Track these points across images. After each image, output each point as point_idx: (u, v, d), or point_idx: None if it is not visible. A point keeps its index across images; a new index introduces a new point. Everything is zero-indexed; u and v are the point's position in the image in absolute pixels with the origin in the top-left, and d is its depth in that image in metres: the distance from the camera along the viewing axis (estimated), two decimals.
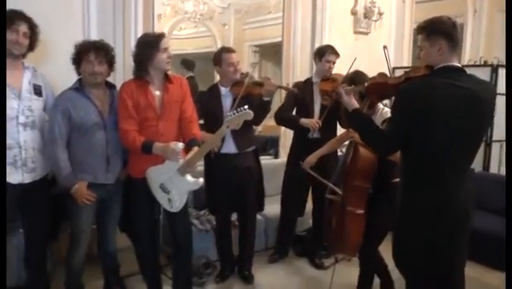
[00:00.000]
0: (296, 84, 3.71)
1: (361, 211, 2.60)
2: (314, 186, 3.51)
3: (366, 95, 2.36)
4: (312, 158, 3.17)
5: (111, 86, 2.71)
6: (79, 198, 2.51)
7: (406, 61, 5.44)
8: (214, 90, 3.20)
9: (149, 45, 2.52)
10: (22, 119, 2.39)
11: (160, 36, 2.56)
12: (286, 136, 4.44)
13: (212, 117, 3.11)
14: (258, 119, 3.06)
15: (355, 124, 2.26)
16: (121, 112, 2.55)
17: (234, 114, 2.30)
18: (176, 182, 2.47)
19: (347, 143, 2.95)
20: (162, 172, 2.50)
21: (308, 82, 3.61)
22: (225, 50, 3.14)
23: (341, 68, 3.55)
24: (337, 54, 3.50)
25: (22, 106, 2.40)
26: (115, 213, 2.77)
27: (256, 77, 3.19)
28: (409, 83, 2.04)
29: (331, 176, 2.94)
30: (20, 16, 2.38)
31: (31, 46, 2.48)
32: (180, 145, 2.40)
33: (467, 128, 1.94)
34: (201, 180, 2.44)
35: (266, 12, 7.29)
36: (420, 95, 1.94)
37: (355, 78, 2.67)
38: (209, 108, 3.13)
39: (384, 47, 2.52)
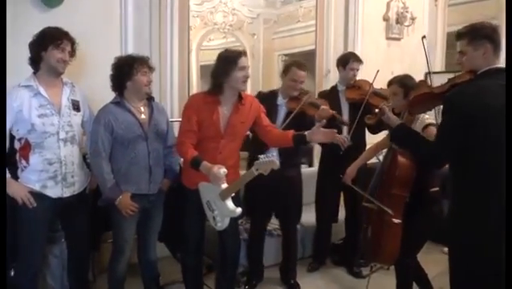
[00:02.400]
0: (321, 93, 3.75)
1: (398, 220, 2.56)
2: (346, 194, 3.50)
3: (410, 109, 2.33)
4: (352, 171, 3.10)
5: (149, 98, 2.77)
6: (123, 209, 2.56)
7: (439, 66, 5.35)
8: (273, 96, 3.22)
9: (227, 61, 2.51)
10: (62, 134, 2.46)
11: (240, 53, 2.55)
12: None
13: None
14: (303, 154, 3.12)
15: (401, 139, 2.25)
16: (183, 125, 2.59)
17: (265, 158, 2.25)
18: (218, 204, 2.47)
19: (384, 151, 2.93)
20: (209, 190, 2.50)
21: (334, 90, 3.63)
22: (297, 65, 3.14)
23: (373, 75, 3.54)
24: (360, 61, 3.53)
25: (62, 122, 2.46)
26: (156, 222, 2.83)
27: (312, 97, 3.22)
28: (459, 89, 2.02)
29: (361, 183, 2.92)
30: (67, 36, 2.47)
31: None
32: (223, 171, 2.35)
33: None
34: (239, 209, 2.42)
35: (295, 21, 7.31)
36: (474, 99, 1.93)
37: (406, 81, 2.69)
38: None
39: (423, 37, 2.58)
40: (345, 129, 3.47)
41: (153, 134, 2.66)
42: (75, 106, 2.56)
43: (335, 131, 2.54)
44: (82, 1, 3.24)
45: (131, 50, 3.29)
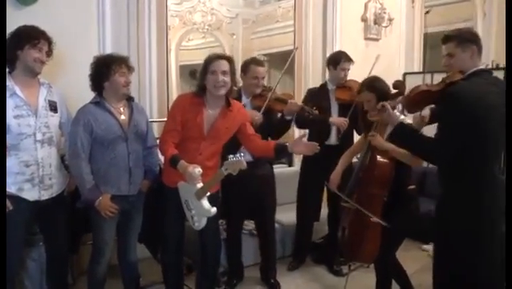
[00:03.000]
0: (310, 91, 3.75)
1: (376, 220, 2.59)
2: (329, 192, 3.52)
3: (406, 106, 2.34)
4: (336, 177, 3.01)
5: (129, 98, 2.74)
6: (102, 211, 2.53)
7: (417, 66, 5.44)
8: (236, 97, 3.22)
9: (204, 64, 2.55)
10: (39, 136, 2.42)
11: (211, 58, 2.54)
12: None
13: None
14: (278, 135, 3.14)
15: (403, 137, 2.26)
16: (167, 124, 2.62)
17: (233, 158, 2.26)
18: (195, 204, 2.49)
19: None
20: (187, 190, 2.51)
21: (323, 88, 3.62)
22: (254, 62, 3.16)
23: (351, 75, 3.59)
24: (351, 61, 3.53)
25: (39, 123, 2.42)
26: (136, 224, 2.80)
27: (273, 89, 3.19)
28: (459, 86, 2.10)
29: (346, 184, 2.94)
30: (44, 36, 2.43)
31: None
32: (198, 171, 2.37)
33: (505, 122, 2.05)
34: (214, 209, 2.43)
35: (274, 21, 7.33)
36: (475, 95, 2.03)
37: (376, 84, 2.68)
38: None
39: (377, 57, 2.57)
40: (333, 129, 3.49)
41: (133, 135, 2.64)
42: (53, 107, 2.51)
43: (317, 144, 2.54)
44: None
45: (109, 49, 3.25)
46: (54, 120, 2.52)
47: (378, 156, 2.57)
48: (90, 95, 2.63)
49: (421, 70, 5.42)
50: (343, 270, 3.56)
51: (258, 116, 3.01)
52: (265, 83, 3.25)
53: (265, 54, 7.38)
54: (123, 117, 2.63)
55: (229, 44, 7.77)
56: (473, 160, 2.09)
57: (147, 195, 2.80)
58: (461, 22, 5.94)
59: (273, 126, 3.13)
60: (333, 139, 3.50)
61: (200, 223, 2.52)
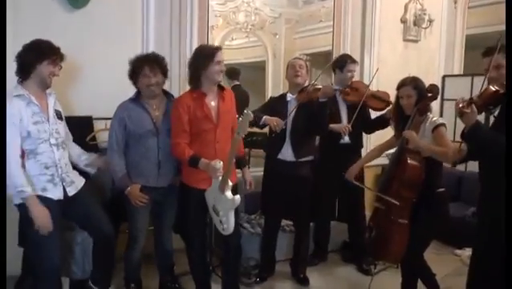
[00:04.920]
0: None
1: (405, 221, 2.63)
2: (348, 193, 3.61)
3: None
4: (355, 168, 3.12)
5: (167, 94, 2.91)
6: (132, 200, 2.74)
7: (457, 69, 5.33)
8: (283, 96, 3.40)
9: (205, 56, 2.65)
10: (53, 140, 2.50)
11: (217, 49, 2.69)
12: None
13: None
14: (321, 125, 3.27)
15: (481, 135, 2.27)
16: (175, 127, 2.69)
17: (240, 119, 2.36)
18: (220, 201, 2.57)
19: (390, 151, 2.99)
20: (212, 192, 2.61)
21: None
22: (292, 59, 3.39)
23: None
24: (356, 62, 3.65)
25: (51, 129, 2.51)
26: (169, 215, 2.96)
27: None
28: None
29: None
30: (60, 52, 2.52)
31: None
32: (219, 164, 2.49)
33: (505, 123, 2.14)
34: (238, 196, 2.51)
35: (317, 21, 7.31)
36: None
37: (420, 84, 2.75)
38: (275, 112, 3.28)
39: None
40: (344, 122, 3.55)
41: (165, 130, 2.77)
42: (59, 115, 2.61)
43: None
44: (106, 2, 3.38)
45: (152, 48, 3.40)
46: (61, 127, 2.60)
47: (409, 159, 2.60)
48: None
49: (461, 72, 5.32)
50: (373, 270, 3.57)
51: (278, 126, 3.15)
52: (306, 82, 3.37)
53: (307, 54, 7.42)
54: (157, 113, 2.80)
55: (272, 44, 7.83)
56: None
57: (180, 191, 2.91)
58: (502, 24, 5.75)
59: (313, 118, 3.23)
60: (346, 137, 3.53)
61: (228, 225, 2.58)
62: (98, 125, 3.31)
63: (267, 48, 7.87)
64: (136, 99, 2.80)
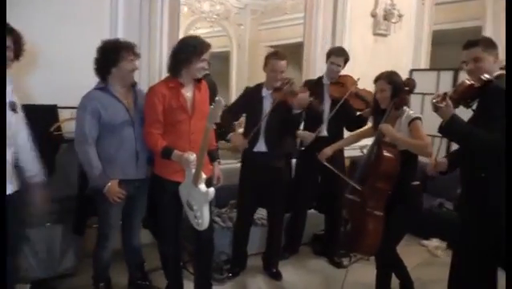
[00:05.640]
0: (307, 82, 3.80)
1: (380, 213, 2.63)
2: (327, 184, 3.62)
3: (455, 100, 2.33)
4: (328, 150, 3.15)
5: (132, 84, 2.75)
6: (110, 197, 2.58)
7: (424, 63, 5.44)
8: (258, 89, 3.29)
9: (193, 51, 2.55)
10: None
11: (207, 46, 2.59)
12: None
13: (250, 116, 3.27)
14: (291, 128, 3.31)
15: (459, 128, 2.27)
16: (149, 116, 2.60)
17: (211, 107, 2.30)
18: (194, 195, 2.50)
19: (365, 143, 3.01)
20: (186, 186, 2.54)
21: (319, 83, 3.67)
22: (275, 55, 3.18)
23: (359, 70, 3.62)
24: (341, 56, 3.54)
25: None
26: (141, 209, 2.86)
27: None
28: (502, 82, 2.19)
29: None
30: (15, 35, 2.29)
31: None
32: (193, 156, 2.43)
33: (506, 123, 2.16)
34: (212, 189, 2.46)
35: (282, 13, 7.33)
36: None
37: (395, 78, 2.74)
38: (250, 106, 3.24)
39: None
40: (326, 115, 3.53)
41: (139, 119, 2.66)
42: (13, 107, 2.31)
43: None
44: None
45: (120, 35, 3.25)
46: (14, 119, 2.31)
47: (385, 151, 2.61)
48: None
49: (428, 67, 5.43)
50: (344, 262, 3.62)
51: (242, 147, 3.16)
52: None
53: (272, 46, 7.41)
54: (128, 102, 2.67)
55: (236, 34, 7.80)
56: None
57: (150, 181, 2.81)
58: (469, 21, 5.94)
59: (287, 121, 3.20)
60: (324, 130, 3.54)
61: (203, 220, 2.52)
62: (63, 115, 3.12)
63: (232, 38, 7.83)
64: (105, 88, 2.62)
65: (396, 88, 2.70)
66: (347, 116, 3.46)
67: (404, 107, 2.74)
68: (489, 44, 2.33)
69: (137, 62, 2.66)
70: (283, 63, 3.15)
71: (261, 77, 3.37)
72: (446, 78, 4.81)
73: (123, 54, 2.56)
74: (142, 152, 2.69)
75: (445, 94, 2.29)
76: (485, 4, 5.70)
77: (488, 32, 5.82)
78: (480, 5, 5.77)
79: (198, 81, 2.69)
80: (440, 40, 5.57)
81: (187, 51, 2.55)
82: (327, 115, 3.52)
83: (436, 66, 5.35)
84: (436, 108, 2.29)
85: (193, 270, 3.06)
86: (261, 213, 3.70)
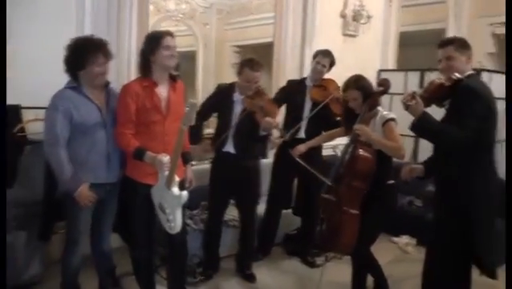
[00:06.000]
0: (289, 82, 3.82)
1: (356, 211, 2.65)
2: (302, 182, 3.62)
3: (426, 99, 2.35)
4: (302, 147, 3.19)
5: (106, 83, 2.64)
6: (81, 201, 2.46)
7: (391, 64, 5.54)
8: (230, 91, 3.21)
9: (152, 41, 2.51)
10: None
11: (165, 33, 2.54)
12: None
13: (221, 117, 3.23)
14: (261, 150, 3.36)
15: (429, 125, 2.30)
16: (121, 116, 2.51)
17: (186, 109, 2.27)
18: (167, 198, 2.44)
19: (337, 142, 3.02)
20: (158, 189, 2.48)
21: (302, 84, 3.68)
22: (250, 65, 3.08)
23: (331, 71, 3.63)
24: (329, 58, 3.55)
25: None
26: (111, 213, 2.74)
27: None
28: (472, 81, 2.30)
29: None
30: None
31: None
32: (166, 158, 2.38)
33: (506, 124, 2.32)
34: (185, 192, 2.41)
35: (248, 13, 7.31)
36: (487, 90, 2.29)
37: (363, 83, 2.75)
38: (221, 107, 3.19)
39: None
40: (306, 116, 3.52)
41: (111, 121, 2.56)
42: None
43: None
44: None
45: (88, 32, 3.11)
46: None
47: (361, 150, 2.62)
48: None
49: (395, 67, 5.53)
50: (317, 262, 3.62)
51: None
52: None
53: (239, 46, 7.37)
54: (100, 103, 2.55)
55: (202, 34, 7.71)
56: (485, 146, 2.31)
57: (120, 183, 2.70)
58: (432, 23, 6.11)
59: (254, 129, 3.15)
60: (302, 134, 3.54)
61: (175, 223, 2.47)
62: (27, 115, 2.97)
63: (198, 38, 7.74)
64: (77, 87, 2.48)
65: (366, 92, 2.71)
66: (327, 119, 3.43)
67: (378, 108, 2.76)
68: (463, 44, 2.40)
69: (108, 63, 2.53)
70: (258, 74, 3.10)
71: (227, 77, 3.34)
72: (414, 78, 4.92)
73: (90, 57, 2.42)
74: (114, 155, 2.58)
75: (414, 92, 2.33)
76: (447, 7, 5.87)
77: (450, 34, 6.00)
78: (443, 8, 5.94)
79: (174, 80, 2.62)
80: (405, 42, 5.69)
81: (147, 45, 2.52)
82: (306, 117, 3.51)
83: (402, 67, 5.46)
84: (406, 107, 2.32)
85: (165, 275, 2.97)
86: (232, 214, 3.65)
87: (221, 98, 3.25)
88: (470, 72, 2.37)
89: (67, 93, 2.46)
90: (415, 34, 6.12)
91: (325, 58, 3.53)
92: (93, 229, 2.72)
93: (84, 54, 2.42)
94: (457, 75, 2.28)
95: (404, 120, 2.50)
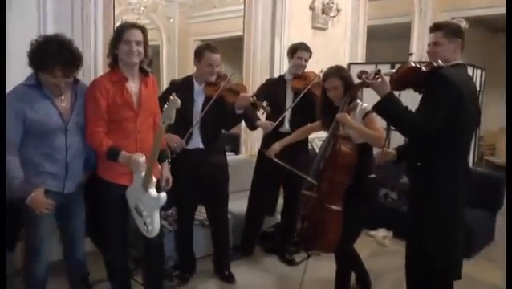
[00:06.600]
0: (268, 81, 3.76)
1: (339, 208, 2.60)
2: (285, 181, 3.50)
3: (395, 81, 2.28)
4: (277, 146, 3.12)
5: (74, 80, 2.41)
6: (36, 208, 2.22)
7: (360, 57, 5.56)
8: (188, 83, 3.06)
9: (116, 33, 2.41)
10: None
11: (128, 26, 2.39)
12: (247, 132, 4.38)
13: (181, 112, 2.99)
14: (228, 127, 3.19)
15: (392, 107, 2.22)
16: (91, 113, 2.35)
17: (166, 105, 2.16)
18: (144, 200, 2.32)
19: (320, 135, 2.96)
20: (134, 190, 2.35)
21: (281, 79, 3.62)
22: (209, 48, 2.96)
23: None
24: (308, 51, 3.52)
25: None
26: (79, 218, 2.52)
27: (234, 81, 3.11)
28: (449, 70, 2.21)
29: (302, 168, 2.92)
30: None
31: None
32: (143, 157, 2.26)
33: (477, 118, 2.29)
34: (163, 194, 2.30)
35: (211, 7, 7.18)
36: (462, 81, 2.18)
37: (344, 74, 2.73)
38: (181, 102, 3.00)
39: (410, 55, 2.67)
40: (288, 111, 3.44)
41: (74, 125, 2.33)
42: None
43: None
44: None
45: (51, 28, 2.95)
46: None
47: (341, 144, 2.57)
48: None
49: (364, 60, 5.55)
50: (296, 259, 3.57)
51: (178, 148, 2.94)
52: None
53: (203, 40, 7.22)
54: (63, 104, 2.31)
55: (165, 27, 7.53)
56: (453, 140, 2.22)
57: (89, 185, 2.52)
58: (398, 17, 6.19)
59: (224, 118, 3.03)
60: (286, 127, 3.47)
61: (153, 226, 2.35)
62: None
63: (161, 32, 7.55)
64: (37, 85, 2.23)
65: (347, 83, 2.68)
66: (312, 107, 3.26)
67: (357, 100, 2.72)
68: (453, 31, 2.32)
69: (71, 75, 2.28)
70: (218, 56, 2.98)
71: (191, 71, 3.22)
72: (384, 71, 4.92)
73: (48, 68, 2.17)
74: (74, 164, 2.35)
75: (379, 70, 2.28)
76: (413, 1, 5.95)
77: (416, 28, 6.11)
78: (409, 2, 6.03)
79: (145, 75, 2.49)
80: (372, 35, 5.73)
81: (114, 36, 2.41)
82: (289, 112, 3.44)
83: (370, 60, 5.49)
84: (367, 85, 2.31)
85: (141, 280, 2.84)
86: (205, 213, 3.53)
87: (179, 90, 3.06)
88: (457, 62, 2.30)
89: (23, 91, 2.21)
90: (381, 27, 6.20)
91: (307, 52, 3.50)
92: (63, 237, 2.54)
93: (44, 60, 2.17)
94: (440, 62, 2.23)
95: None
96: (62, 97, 2.31)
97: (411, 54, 2.55)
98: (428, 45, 2.39)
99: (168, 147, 2.89)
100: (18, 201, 2.25)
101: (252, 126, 3.47)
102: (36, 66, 2.21)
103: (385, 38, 6.50)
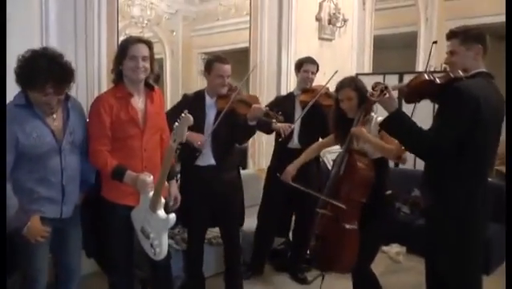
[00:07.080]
0: (277, 98, 3.74)
1: (355, 227, 2.49)
2: (295, 198, 3.39)
3: (406, 94, 2.19)
4: (291, 168, 2.93)
5: (66, 97, 2.21)
6: (31, 237, 2.10)
7: (367, 67, 5.51)
8: (200, 97, 2.98)
9: (120, 48, 2.33)
10: None
11: (129, 42, 2.31)
12: (255, 146, 4.30)
13: (192, 126, 2.91)
14: (241, 140, 3.08)
15: (400, 124, 2.11)
16: (95, 131, 2.27)
17: (177, 123, 2.08)
18: (151, 222, 2.22)
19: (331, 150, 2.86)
20: (140, 211, 2.26)
21: (290, 95, 3.59)
22: (219, 59, 2.89)
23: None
24: (315, 64, 3.48)
25: None
26: (75, 243, 2.37)
27: (244, 93, 3.05)
28: (465, 83, 2.04)
29: (314, 184, 2.83)
30: None
31: None
32: (150, 177, 2.18)
33: (499, 131, 2.10)
34: (173, 215, 2.19)
35: (214, 19, 7.18)
36: (481, 95, 1.97)
37: (359, 84, 2.60)
38: (192, 116, 2.92)
39: (434, 42, 2.56)
40: (297, 127, 3.36)
41: (68, 145, 2.19)
42: None
43: None
44: None
45: (54, 40, 2.89)
46: None
47: (358, 161, 2.47)
48: None
49: (371, 71, 5.49)
50: (308, 278, 3.47)
51: (200, 142, 2.81)
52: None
53: (206, 53, 7.20)
54: (56, 123, 2.16)
55: (169, 40, 7.51)
56: (472, 157, 2.05)
57: (87, 205, 2.40)
58: (405, 26, 6.14)
59: (236, 130, 2.93)
60: (295, 142, 3.39)
61: (161, 249, 2.24)
62: None
63: (164, 45, 7.54)
64: (27, 104, 2.07)
65: (361, 94, 2.57)
66: (321, 120, 3.17)
67: (372, 114, 2.63)
68: (470, 37, 2.11)
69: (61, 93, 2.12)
70: (228, 67, 2.90)
71: (195, 84, 3.14)
72: (391, 82, 4.85)
73: (38, 86, 2.01)
74: (69, 186, 2.21)
75: (386, 87, 2.15)
76: (418, 10, 5.91)
77: (422, 37, 6.05)
78: (414, 11, 5.99)
79: (150, 89, 2.41)
80: (379, 45, 5.68)
81: (118, 51, 2.33)
82: (298, 127, 3.35)
83: (377, 70, 5.43)
84: (373, 102, 2.24)
85: None
86: (215, 231, 3.42)
87: (191, 105, 2.96)
88: (478, 70, 2.10)
89: (14, 112, 2.04)
90: (388, 37, 6.16)
91: (313, 64, 3.46)
92: (57, 263, 2.38)
93: (32, 79, 2.01)
94: (460, 72, 2.10)
95: None
96: (55, 116, 2.16)
97: (435, 43, 2.42)
98: (447, 53, 2.22)
99: (191, 147, 2.78)
100: (14, 231, 2.10)
101: (268, 130, 3.37)
102: (24, 83, 2.04)
103: (392, 48, 6.46)
